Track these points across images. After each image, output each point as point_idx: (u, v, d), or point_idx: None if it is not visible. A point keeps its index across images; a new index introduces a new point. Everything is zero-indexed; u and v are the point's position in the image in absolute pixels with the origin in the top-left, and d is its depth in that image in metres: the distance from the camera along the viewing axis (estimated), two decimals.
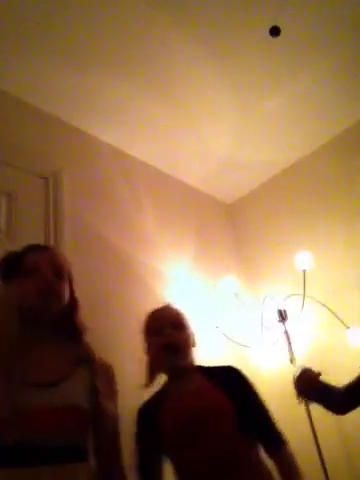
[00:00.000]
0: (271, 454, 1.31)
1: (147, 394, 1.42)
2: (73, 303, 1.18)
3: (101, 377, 1.10)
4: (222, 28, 2.03)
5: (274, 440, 1.33)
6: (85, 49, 2.03)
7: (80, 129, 2.41)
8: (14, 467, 0.88)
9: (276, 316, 2.48)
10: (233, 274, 2.69)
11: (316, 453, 2.08)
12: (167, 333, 1.38)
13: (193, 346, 1.43)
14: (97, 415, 1.04)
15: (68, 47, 2.00)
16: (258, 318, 2.55)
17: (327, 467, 2.04)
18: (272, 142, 2.76)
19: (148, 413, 1.35)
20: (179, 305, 1.52)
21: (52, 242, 1.92)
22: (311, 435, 2.11)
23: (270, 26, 1.82)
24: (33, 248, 1.18)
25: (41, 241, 1.92)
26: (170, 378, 1.40)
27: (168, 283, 2.36)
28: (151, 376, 1.43)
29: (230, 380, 1.38)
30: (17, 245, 1.79)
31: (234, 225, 3.18)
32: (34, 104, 2.21)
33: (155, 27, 1.98)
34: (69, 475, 0.93)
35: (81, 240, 2.05)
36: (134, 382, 1.91)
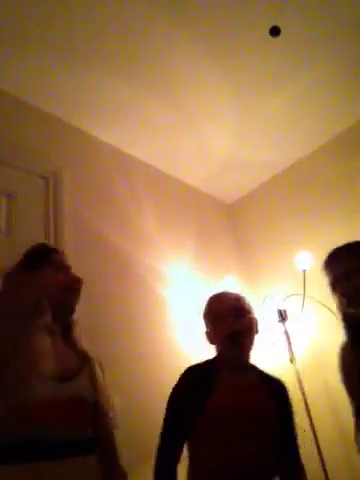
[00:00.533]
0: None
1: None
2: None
3: (98, 374, 1.12)
4: (222, 28, 2.03)
5: (296, 467, 1.33)
6: (85, 49, 2.03)
7: (80, 129, 2.41)
8: (34, 461, 0.89)
9: (276, 316, 2.48)
10: (233, 274, 2.69)
11: (316, 453, 2.08)
12: (229, 320, 1.34)
13: (256, 333, 1.40)
14: (97, 412, 1.06)
15: (68, 47, 2.00)
16: (258, 318, 2.54)
17: (327, 467, 2.04)
18: (272, 142, 2.76)
19: (200, 381, 1.29)
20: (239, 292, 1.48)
21: (52, 242, 1.92)
22: (311, 435, 2.12)
23: (270, 26, 1.82)
24: (57, 248, 1.27)
25: (41, 241, 1.92)
26: (227, 363, 1.35)
27: (168, 283, 2.36)
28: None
29: (279, 393, 1.38)
30: (17, 245, 1.80)
31: (234, 225, 3.18)
32: (34, 104, 2.22)
33: (155, 27, 1.98)
34: (81, 467, 0.96)
35: (81, 240, 2.06)
36: (133, 380, 1.92)
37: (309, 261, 2.41)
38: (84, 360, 1.11)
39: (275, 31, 1.82)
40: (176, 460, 1.25)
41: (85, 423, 1.01)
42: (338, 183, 2.67)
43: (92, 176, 2.35)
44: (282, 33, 1.83)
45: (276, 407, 1.30)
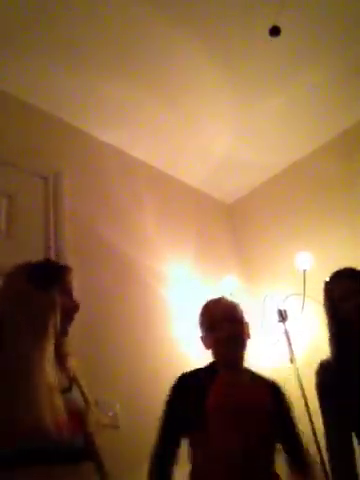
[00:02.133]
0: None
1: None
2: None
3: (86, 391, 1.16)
4: (222, 28, 2.03)
5: (304, 465, 1.35)
6: (86, 50, 2.03)
7: (81, 129, 2.41)
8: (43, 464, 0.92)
9: (276, 316, 2.48)
10: (233, 274, 2.69)
11: (316, 452, 2.08)
12: (225, 327, 1.39)
13: (248, 338, 1.44)
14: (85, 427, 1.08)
15: (69, 48, 2.00)
16: (258, 318, 2.55)
17: (326, 466, 2.04)
18: (272, 142, 2.76)
19: (194, 384, 1.35)
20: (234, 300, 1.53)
21: (52, 242, 1.92)
22: (311, 434, 2.11)
23: (270, 26, 1.82)
24: (63, 266, 1.28)
25: (41, 241, 1.92)
26: (223, 365, 1.40)
27: (168, 283, 2.36)
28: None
29: (276, 393, 1.41)
30: (17, 245, 1.80)
31: (234, 225, 3.18)
32: (35, 104, 2.21)
33: (156, 28, 1.98)
34: (84, 473, 0.99)
35: (81, 240, 2.06)
36: (133, 380, 1.92)
37: (309, 261, 2.41)
38: (73, 378, 1.14)
39: (275, 31, 1.82)
40: (171, 462, 1.29)
41: (81, 433, 1.04)
42: (338, 183, 2.67)
43: (92, 176, 2.34)
44: (282, 33, 1.83)
45: (275, 405, 1.34)
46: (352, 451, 1.36)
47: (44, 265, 1.21)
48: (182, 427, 1.30)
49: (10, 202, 1.89)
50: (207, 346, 1.45)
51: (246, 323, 1.46)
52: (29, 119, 2.19)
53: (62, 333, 1.14)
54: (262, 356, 2.56)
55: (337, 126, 2.71)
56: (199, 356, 2.26)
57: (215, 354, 1.43)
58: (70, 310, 1.16)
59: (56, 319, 1.08)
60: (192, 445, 1.30)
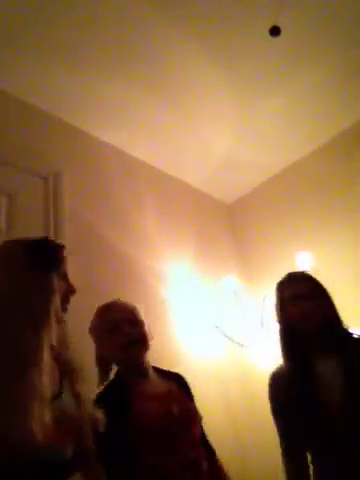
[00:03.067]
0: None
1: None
2: None
3: (81, 388, 1.07)
4: (222, 28, 2.03)
5: (210, 450, 1.39)
6: (86, 49, 2.03)
7: (80, 129, 2.41)
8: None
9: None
10: (233, 274, 2.69)
11: None
12: (126, 330, 1.35)
13: (150, 340, 1.42)
14: (81, 429, 1.01)
15: (69, 47, 2.00)
16: (258, 318, 2.55)
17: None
18: (272, 142, 2.76)
19: (113, 408, 1.20)
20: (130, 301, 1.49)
21: None
22: None
23: (270, 26, 1.82)
24: (61, 245, 1.15)
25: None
26: (128, 374, 1.36)
27: (168, 283, 2.36)
28: (105, 374, 1.38)
29: (183, 385, 1.43)
30: None
31: (234, 225, 3.18)
32: (34, 104, 2.21)
33: (155, 27, 1.98)
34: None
35: (81, 240, 2.05)
36: None
37: (309, 261, 2.41)
38: (66, 373, 1.04)
39: (275, 31, 1.81)
40: None
41: (72, 441, 0.96)
42: (338, 183, 2.67)
43: (92, 176, 2.34)
44: (282, 33, 1.83)
45: (185, 397, 1.37)
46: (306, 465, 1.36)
47: (43, 243, 1.08)
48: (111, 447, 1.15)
49: (10, 202, 1.89)
50: (108, 353, 1.38)
51: (147, 326, 1.42)
52: (29, 119, 2.18)
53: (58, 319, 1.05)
54: (262, 356, 2.56)
55: (337, 126, 2.71)
56: (199, 356, 2.27)
57: (118, 361, 1.38)
58: (67, 293, 1.08)
59: (57, 304, 0.99)
60: (119, 464, 1.17)
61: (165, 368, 1.49)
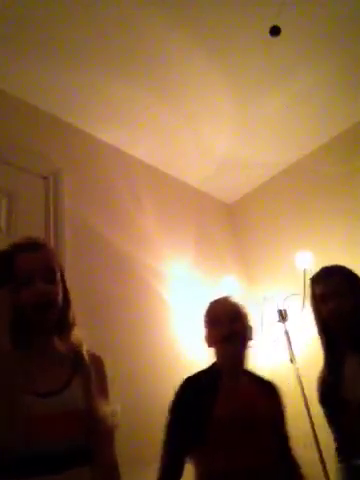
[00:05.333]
0: None
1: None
2: (65, 302, 1.12)
3: (94, 377, 1.08)
4: (222, 28, 2.03)
5: (292, 466, 1.36)
6: (85, 49, 2.03)
7: (80, 129, 2.41)
8: (24, 477, 0.87)
9: (276, 316, 2.48)
10: (233, 274, 2.69)
11: (316, 453, 2.08)
12: (226, 325, 1.38)
13: (250, 339, 1.43)
14: (89, 419, 1.02)
15: (68, 47, 2.00)
16: (258, 318, 2.55)
17: (327, 466, 2.04)
18: (272, 142, 2.76)
19: (200, 391, 1.30)
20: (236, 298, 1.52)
21: (52, 242, 1.92)
22: (311, 433, 2.12)
23: (270, 26, 1.82)
24: (24, 247, 1.09)
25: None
26: (224, 371, 1.38)
27: (168, 283, 2.36)
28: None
29: (273, 395, 1.41)
30: None
31: (234, 225, 3.18)
32: (34, 104, 2.21)
33: (155, 27, 1.98)
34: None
35: (81, 240, 2.06)
36: (133, 380, 1.92)
37: (309, 261, 2.41)
38: (77, 368, 1.06)
39: (275, 31, 1.81)
40: (180, 470, 1.26)
41: (79, 435, 0.98)
42: (338, 183, 2.67)
43: (92, 176, 2.34)
44: (282, 33, 1.83)
45: (272, 408, 1.34)
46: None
47: None
48: (187, 441, 1.25)
49: (10, 201, 1.89)
50: (209, 344, 1.44)
51: (249, 325, 1.44)
52: (29, 119, 2.19)
53: (45, 326, 1.05)
54: (262, 356, 2.56)
55: (337, 126, 2.71)
56: (199, 356, 2.27)
57: (215, 353, 1.42)
58: (36, 302, 1.01)
59: (5, 323, 0.96)
60: (195, 463, 1.27)
61: (260, 375, 1.48)
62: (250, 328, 1.44)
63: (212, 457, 1.23)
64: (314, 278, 1.52)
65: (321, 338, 1.48)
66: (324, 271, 1.51)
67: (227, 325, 1.37)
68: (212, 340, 1.43)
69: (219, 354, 1.41)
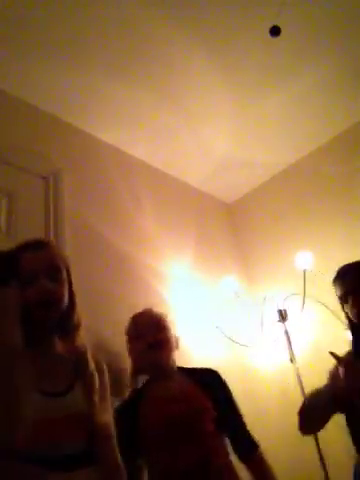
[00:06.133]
0: (244, 459, 1.36)
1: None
2: (71, 303, 1.12)
3: (94, 385, 1.08)
4: (222, 28, 2.03)
5: (248, 444, 1.39)
6: (85, 49, 2.03)
7: (80, 129, 2.41)
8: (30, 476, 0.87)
9: (276, 316, 2.48)
10: (233, 274, 2.69)
11: (316, 451, 2.08)
12: (148, 335, 1.43)
13: (176, 348, 1.47)
14: (91, 425, 1.02)
15: (68, 47, 2.00)
16: (258, 318, 2.55)
17: (327, 465, 2.04)
18: (272, 142, 2.76)
19: (124, 414, 1.33)
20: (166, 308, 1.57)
21: None
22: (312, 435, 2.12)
23: (270, 26, 1.82)
24: (28, 247, 1.09)
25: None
26: (151, 379, 1.43)
27: (168, 283, 2.36)
28: (133, 378, 1.47)
29: (210, 381, 1.44)
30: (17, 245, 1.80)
31: (234, 225, 3.18)
32: (34, 104, 2.21)
33: (155, 27, 1.97)
34: None
35: (81, 240, 2.05)
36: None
37: (309, 261, 2.41)
38: (79, 372, 1.06)
39: (275, 31, 1.81)
40: (136, 474, 1.29)
41: (82, 438, 0.98)
42: (338, 183, 2.67)
43: (92, 176, 2.34)
44: (282, 33, 1.82)
45: (211, 396, 1.36)
46: None
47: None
48: (131, 452, 1.26)
49: (10, 201, 1.89)
50: (132, 357, 1.49)
51: (172, 334, 1.50)
52: (29, 119, 2.18)
53: (48, 325, 1.06)
54: (262, 356, 2.56)
55: (337, 126, 2.71)
56: (199, 356, 2.27)
57: (139, 363, 1.47)
58: (40, 300, 1.02)
59: (16, 319, 0.96)
60: (146, 467, 1.32)
61: (197, 368, 1.53)
62: (175, 337, 1.49)
63: (156, 460, 1.28)
64: (333, 280, 1.50)
65: (351, 335, 1.45)
66: (343, 269, 1.49)
67: (151, 335, 1.43)
68: (137, 351, 1.46)
69: (145, 361, 1.44)
